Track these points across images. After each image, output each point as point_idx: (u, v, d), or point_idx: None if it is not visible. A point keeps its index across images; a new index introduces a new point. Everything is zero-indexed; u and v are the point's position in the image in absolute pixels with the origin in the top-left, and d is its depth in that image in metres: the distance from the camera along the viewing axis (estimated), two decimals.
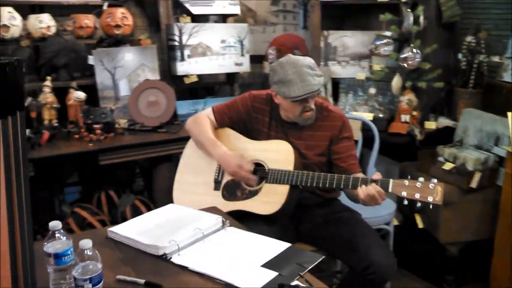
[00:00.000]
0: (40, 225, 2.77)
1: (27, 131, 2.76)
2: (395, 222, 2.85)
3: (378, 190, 1.90)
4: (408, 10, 3.15)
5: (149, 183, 3.16)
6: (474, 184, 2.73)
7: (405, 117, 3.11)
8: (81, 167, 3.37)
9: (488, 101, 3.31)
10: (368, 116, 3.17)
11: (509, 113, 2.63)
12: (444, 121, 3.35)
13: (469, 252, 2.88)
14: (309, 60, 2.10)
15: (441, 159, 2.93)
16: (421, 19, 3.12)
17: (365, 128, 2.95)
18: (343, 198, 2.29)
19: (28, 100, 2.85)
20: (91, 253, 1.27)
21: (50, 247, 1.32)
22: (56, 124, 2.83)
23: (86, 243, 1.26)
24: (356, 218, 2.22)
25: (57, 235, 1.34)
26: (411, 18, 3.12)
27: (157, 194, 2.92)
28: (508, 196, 2.57)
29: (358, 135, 2.95)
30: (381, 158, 3.41)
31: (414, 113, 3.11)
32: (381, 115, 3.29)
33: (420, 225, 2.95)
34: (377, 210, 2.62)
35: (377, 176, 1.96)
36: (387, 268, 1.97)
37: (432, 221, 2.90)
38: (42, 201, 3.20)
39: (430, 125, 3.26)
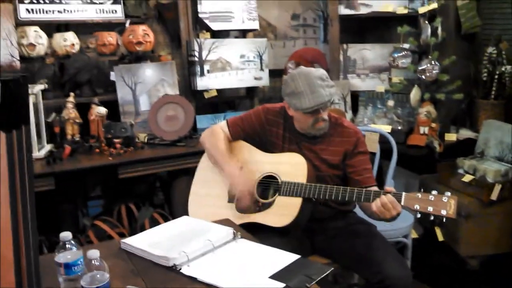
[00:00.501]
0: None
1: (50, 146, 2.86)
2: (414, 235, 2.82)
3: (392, 200, 1.89)
4: (426, 22, 3.15)
5: (169, 196, 3.21)
6: (494, 196, 2.69)
7: (423, 129, 3.09)
8: (104, 181, 3.45)
9: (510, 113, 3.26)
10: (386, 129, 3.15)
11: None
12: (466, 133, 3.32)
13: (490, 266, 2.83)
14: (321, 72, 2.11)
15: (461, 171, 2.90)
16: (439, 31, 3.11)
17: (383, 140, 2.93)
18: (358, 211, 2.29)
19: (52, 115, 2.96)
20: (98, 263, 1.30)
21: (61, 257, 1.37)
22: (77, 139, 2.91)
23: (94, 253, 1.30)
24: (371, 231, 2.21)
25: (67, 245, 1.39)
26: (429, 30, 3.12)
27: (176, 207, 2.97)
28: None
29: (376, 147, 2.94)
30: (401, 170, 3.40)
31: (433, 125, 3.08)
32: (399, 127, 3.27)
33: (440, 238, 2.92)
34: (395, 223, 2.57)
35: (390, 189, 1.95)
36: (402, 280, 1.96)
37: (452, 234, 2.86)
38: (65, 214, 3.28)
39: (451, 137, 3.24)
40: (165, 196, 3.34)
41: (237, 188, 2.13)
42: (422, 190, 1.89)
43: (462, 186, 2.84)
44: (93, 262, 1.30)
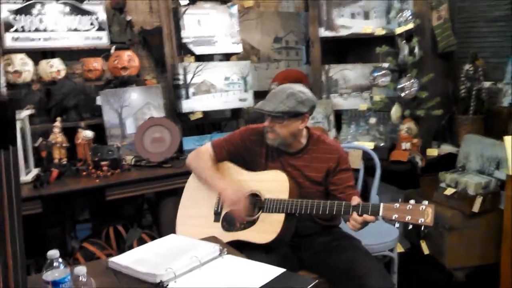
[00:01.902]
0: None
1: (37, 170, 2.88)
2: (400, 249, 2.86)
3: (357, 220, 1.98)
4: (403, 42, 3.24)
5: (157, 217, 3.23)
6: (476, 208, 2.75)
7: (405, 145, 3.16)
8: (92, 204, 3.46)
9: (489, 127, 3.35)
10: (369, 145, 3.22)
11: (505, 138, 2.66)
12: (447, 148, 3.39)
13: (476, 277, 2.86)
14: (296, 91, 2.17)
15: (443, 185, 2.96)
16: (416, 50, 3.20)
17: (367, 157, 2.99)
18: (344, 226, 2.32)
19: (39, 140, 2.98)
20: (85, 279, 1.33)
21: (49, 275, 1.39)
22: (64, 162, 2.94)
23: (80, 270, 1.32)
24: (355, 245, 2.24)
25: (55, 263, 1.41)
26: (406, 50, 3.22)
27: (164, 228, 2.98)
28: (509, 219, 2.58)
29: (359, 163, 3.00)
30: (387, 186, 3.45)
31: (415, 140, 3.15)
32: (382, 144, 3.34)
33: (426, 251, 2.96)
34: (380, 237, 2.65)
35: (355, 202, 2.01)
36: None
37: (437, 247, 2.90)
38: (54, 237, 3.28)
39: (432, 152, 3.31)
40: (153, 218, 3.36)
41: (231, 197, 2.17)
42: (400, 200, 1.93)
43: (445, 199, 2.90)
44: (80, 278, 1.32)
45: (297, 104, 2.14)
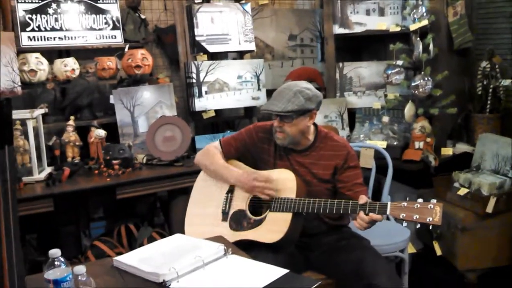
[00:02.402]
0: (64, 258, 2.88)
1: (50, 168, 2.92)
2: (412, 250, 2.83)
3: (364, 219, 1.95)
4: (418, 39, 3.20)
5: (169, 216, 3.25)
6: (489, 209, 2.70)
7: (418, 144, 3.11)
8: (106, 202, 3.50)
9: (506, 126, 3.29)
10: (381, 144, 3.18)
11: None
12: (462, 147, 3.34)
13: (488, 279, 2.81)
14: (303, 88, 2.16)
15: (456, 184, 2.91)
16: (431, 47, 3.15)
17: (379, 156, 2.96)
18: (353, 225, 2.30)
19: (53, 139, 3.02)
20: (84, 279, 1.34)
21: (50, 274, 1.41)
22: (77, 161, 2.97)
23: (80, 269, 1.34)
24: (364, 245, 2.22)
25: (56, 262, 1.42)
26: (421, 47, 3.16)
27: (175, 227, 3.00)
28: None
29: (371, 163, 2.97)
30: (400, 186, 3.41)
31: (428, 139, 3.11)
32: (395, 143, 3.30)
33: (439, 252, 2.92)
34: (391, 237, 2.62)
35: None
36: None
37: (449, 248, 2.86)
38: (68, 235, 3.33)
39: (447, 151, 3.26)
40: (165, 216, 3.38)
41: (247, 180, 2.17)
42: (407, 198, 1.90)
43: (458, 199, 2.85)
44: (79, 278, 1.33)
45: (305, 102, 2.13)
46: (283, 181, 2.15)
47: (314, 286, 1.60)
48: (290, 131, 2.17)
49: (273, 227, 2.09)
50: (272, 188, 2.13)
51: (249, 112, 3.79)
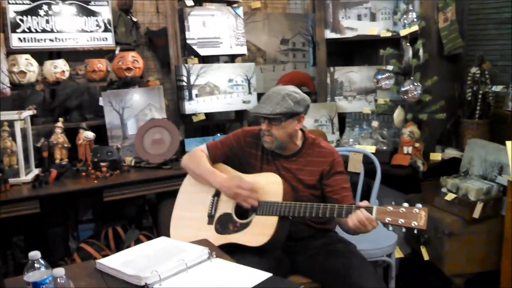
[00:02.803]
0: (51, 261, 2.86)
1: (38, 170, 2.91)
2: (399, 254, 2.83)
3: (367, 217, 1.92)
4: (408, 44, 3.21)
5: (157, 219, 3.24)
6: (476, 214, 2.71)
7: (407, 149, 3.12)
8: (95, 205, 3.49)
9: (495, 131, 3.30)
10: (370, 149, 3.19)
11: (508, 142, 2.62)
12: (451, 152, 3.35)
13: (475, 284, 2.82)
14: (291, 91, 2.17)
15: (444, 190, 2.92)
16: (421, 52, 3.16)
17: (368, 161, 2.97)
18: (339, 230, 2.30)
19: (41, 140, 3.01)
20: (64, 281, 1.33)
21: (30, 276, 1.40)
22: (64, 163, 2.96)
23: (58, 272, 1.33)
24: (350, 250, 2.22)
25: (36, 265, 1.41)
26: (410, 52, 3.17)
27: (162, 229, 2.99)
28: (510, 225, 2.54)
29: (359, 167, 2.98)
30: (389, 190, 3.42)
31: (417, 144, 3.11)
32: (384, 148, 3.30)
33: (426, 257, 2.92)
34: (378, 242, 2.62)
35: (363, 204, 1.98)
36: None
37: (437, 253, 2.87)
38: (56, 238, 3.32)
39: (436, 156, 3.27)
40: (154, 219, 3.37)
41: (231, 186, 2.16)
42: (393, 203, 1.91)
43: (445, 204, 2.86)
44: (58, 280, 1.33)
45: (294, 105, 2.14)
46: (270, 185, 2.15)
47: None
48: (278, 135, 2.17)
49: (259, 231, 2.09)
50: (256, 198, 2.13)
51: (240, 115, 3.79)
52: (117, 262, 1.74)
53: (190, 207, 2.31)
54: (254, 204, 2.12)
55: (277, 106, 2.12)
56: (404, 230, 1.91)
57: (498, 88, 3.34)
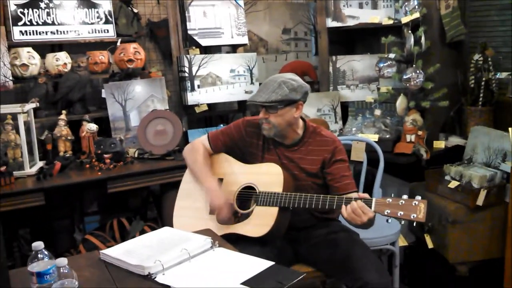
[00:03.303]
0: (56, 253, 2.89)
1: (42, 162, 2.92)
2: (404, 243, 2.83)
3: (361, 206, 1.90)
4: (409, 31, 3.19)
5: (161, 210, 3.26)
6: (480, 202, 2.70)
7: (410, 137, 3.11)
8: (100, 197, 3.51)
9: (499, 118, 3.28)
10: (373, 138, 3.18)
11: (510, 129, 2.60)
12: (455, 140, 3.34)
13: (479, 272, 2.82)
14: (288, 79, 2.17)
15: (447, 177, 2.91)
16: (423, 39, 3.14)
17: (371, 149, 2.96)
18: (342, 219, 2.30)
19: (45, 133, 3.03)
20: (66, 271, 1.35)
21: (34, 266, 1.41)
22: (68, 155, 2.98)
23: (61, 262, 1.34)
24: (353, 238, 2.23)
25: (39, 255, 1.43)
26: (412, 40, 3.15)
27: (167, 220, 3.00)
28: None
29: (362, 156, 2.98)
30: (392, 179, 3.42)
31: (420, 132, 3.10)
32: (387, 136, 3.29)
33: (430, 245, 2.93)
34: (381, 230, 2.63)
35: (363, 195, 1.98)
36: (380, 286, 1.98)
37: (441, 241, 2.87)
38: (62, 230, 3.34)
39: (439, 144, 3.26)
40: (158, 210, 3.39)
41: (216, 201, 2.17)
42: (393, 195, 1.90)
43: (449, 192, 2.85)
44: (61, 270, 1.34)
45: (289, 92, 2.13)
46: (271, 175, 2.15)
47: (299, 278, 1.61)
48: (276, 122, 2.16)
49: (260, 221, 2.09)
50: (233, 220, 2.16)
51: (243, 106, 3.79)
52: (120, 252, 1.76)
53: (192, 197, 2.33)
54: (225, 224, 2.17)
55: (272, 93, 2.12)
56: (402, 222, 1.91)
57: (503, 75, 3.32)
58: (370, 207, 1.90)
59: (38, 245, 1.44)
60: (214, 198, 2.19)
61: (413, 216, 1.81)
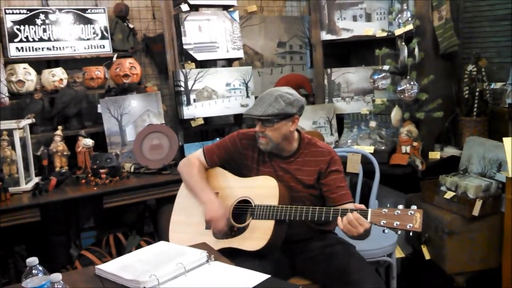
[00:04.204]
0: (52, 269, 2.87)
1: (38, 178, 2.92)
2: (400, 254, 2.83)
3: (357, 217, 1.91)
4: (403, 43, 3.21)
5: (157, 224, 3.25)
6: (476, 212, 2.70)
7: (405, 148, 3.12)
8: (96, 212, 3.50)
9: (493, 129, 3.30)
10: (368, 149, 3.19)
11: (505, 139, 2.61)
12: (450, 151, 3.36)
13: (477, 282, 2.82)
14: (283, 92, 2.17)
15: (443, 188, 2.92)
16: (416, 51, 3.17)
17: (366, 161, 2.97)
18: (339, 231, 2.30)
19: (41, 149, 3.03)
20: (61, 287, 1.34)
21: (28, 282, 1.41)
22: (64, 171, 2.98)
23: (56, 277, 1.34)
24: (349, 251, 2.22)
25: (34, 271, 1.42)
26: (406, 51, 3.18)
27: (163, 235, 2.99)
28: (510, 222, 2.53)
29: (358, 168, 2.98)
30: (388, 190, 3.42)
31: (415, 143, 3.12)
32: (383, 148, 3.30)
33: (427, 256, 2.92)
34: (378, 242, 2.62)
35: (359, 206, 1.98)
36: None
37: (438, 252, 2.86)
38: (58, 245, 3.33)
39: (434, 155, 3.27)
40: (154, 225, 3.38)
41: (212, 215, 2.17)
42: (388, 205, 1.90)
43: (445, 203, 2.86)
44: (55, 285, 1.34)
45: (286, 106, 2.14)
46: (266, 188, 2.15)
47: None
48: (272, 136, 2.17)
49: (256, 235, 2.09)
50: (229, 234, 2.16)
51: (239, 119, 3.80)
52: (116, 267, 1.75)
53: (188, 212, 2.32)
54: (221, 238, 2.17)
55: (269, 107, 2.12)
56: (399, 232, 1.91)
57: (497, 86, 3.34)
58: (366, 218, 1.89)
59: (33, 260, 1.43)
60: (210, 210, 2.18)
61: (409, 226, 1.81)
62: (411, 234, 1.85)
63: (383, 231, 1.90)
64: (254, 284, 1.63)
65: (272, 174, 2.22)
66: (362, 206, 1.96)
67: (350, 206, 2.13)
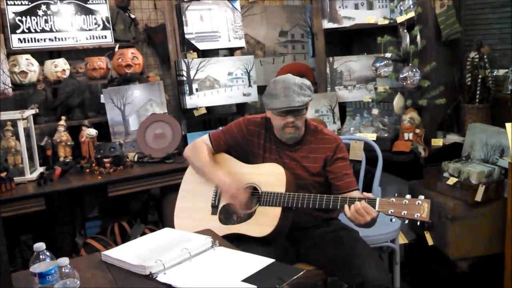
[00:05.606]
0: (59, 257, 2.90)
1: (42, 168, 2.94)
2: (403, 240, 2.84)
3: (364, 206, 1.93)
4: (405, 31, 3.21)
5: (161, 213, 3.27)
6: (478, 197, 2.71)
7: (408, 135, 3.13)
8: (101, 201, 3.52)
9: (496, 115, 3.30)
10: (371, 137, 3.20)
11: (507, 124, 2.62)
12: (453, 138, 3.35)
13: (480, 268, 2.83)
14: (302, 81, 2.18)
15: (446, 174, 2.92)
16: (418, 38, 3.16)
17: (369, 148, 2.98)
18: (343, 218, 2.31)
19: (44, 139, 3.05)
20: (68, 271, 1.36)
21: (36, 267, 1.43)
22: (68, 160, 2.99)
23: (63, 261, 1.36)
24: (353, 236, 2.24)
25: (41, 256, 1.44)
26: (408, 39, 3.17)
27: (167, 223, 3.02)
28: None
29: (361, 155, 2.99)
30: (391, 177, 3.43)
31: (417, 130, 3.12)
32: (385, 135, 3.31)
33: (430, 242, 2.93)
34: (381, 228, 2.62)
35: (366, 195, 1.99)
36: (380, 282, 1.99)
37: (441, 238, 2.88)
38: (63, 235, 3.35)
39: (437, 142, 3.27)
40: (159, 214, 3.40)
41: (230, 190, 2.16)
42: (396, 195, 1.91)
43: (448, 189, 2.86)
44: (63, 269, 1.35)
45: (311, 92, 2.18)
46: (273, 175, 2.16)
47: (299, 274, 1.62)
48: (301, 124, 2.21)
49: (263, 221, 2.11)
50: (243, 212, 2.16)
51: (241, 108, 3.81)
52: (122, 253, 1.77)
53: (193, 198, 2.34)
54: (240, 214, 2.17)
55: (300, 96, 2.13)
56: (406, 221, 1.92)
57: (499, 72, 3.33)
58: (374, 207, 1.91)
59: (40, 246, 1.45)
60: (227, 187, 2.18)
61: (417, 216, 1.82)
62: (418, 223, 1.86)
63: (391, 220, 1.91)
64: (259, 268, 1.65)
65: (278, 161, 2.24)
66: (370, 195, 1.97)
67: (356, 193, 2.15)
